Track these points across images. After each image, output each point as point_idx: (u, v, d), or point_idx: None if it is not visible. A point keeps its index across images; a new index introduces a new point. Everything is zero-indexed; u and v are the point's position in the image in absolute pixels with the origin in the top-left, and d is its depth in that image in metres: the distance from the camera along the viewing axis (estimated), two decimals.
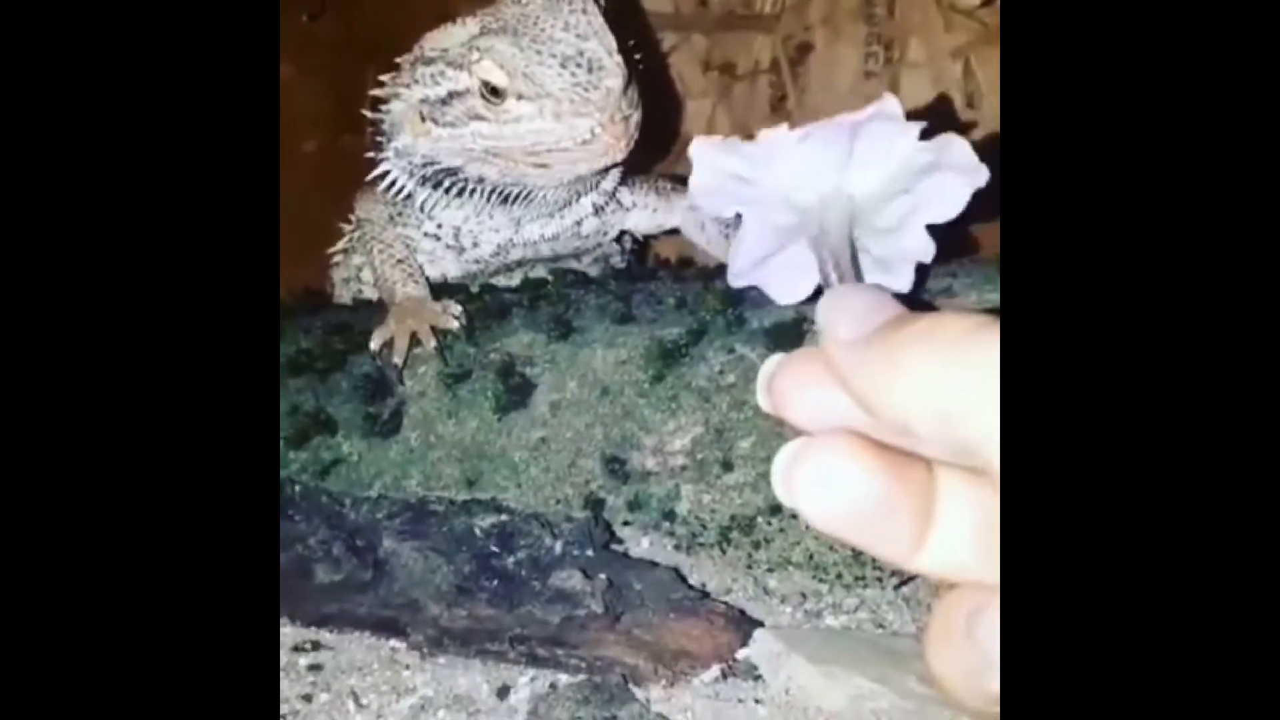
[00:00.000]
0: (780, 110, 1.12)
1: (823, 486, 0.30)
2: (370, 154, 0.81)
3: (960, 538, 0.30)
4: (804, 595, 0.65)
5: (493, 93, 0.71)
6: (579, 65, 0.69)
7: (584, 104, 0.68)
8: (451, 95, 0.73)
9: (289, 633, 0.63)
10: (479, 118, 0.72)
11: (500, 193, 0.78)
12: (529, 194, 0.78)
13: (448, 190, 0.79)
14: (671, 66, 1.13)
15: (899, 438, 0.30)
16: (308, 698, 0.58)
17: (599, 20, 0.70)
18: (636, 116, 0.71)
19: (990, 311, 0.31)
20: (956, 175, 0.37)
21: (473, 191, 0.78)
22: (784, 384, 0.33)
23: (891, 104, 0.36)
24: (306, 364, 0.77)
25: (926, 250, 0.39)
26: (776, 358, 0.34)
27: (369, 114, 0.80)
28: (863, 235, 0.38)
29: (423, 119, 0.75)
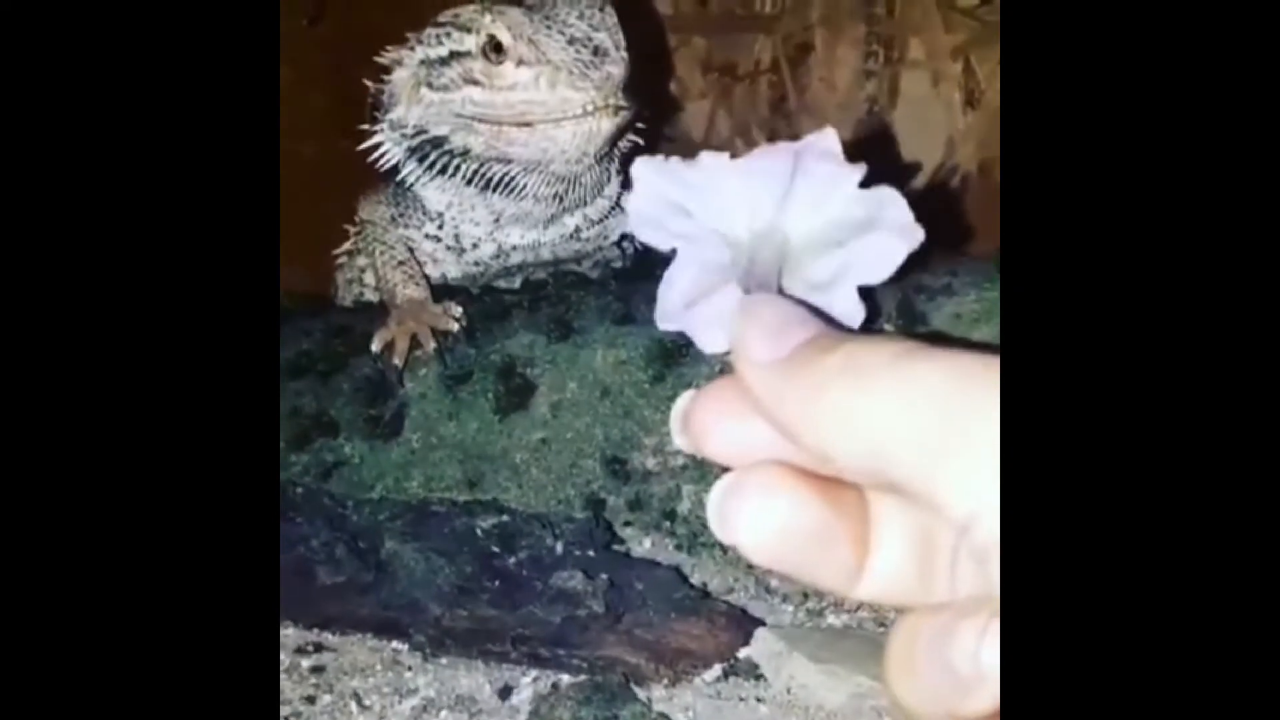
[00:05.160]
0: (780, 110, 1.12)
1: (758, 521, 0.29)
2: (364, 126, 0.81)
3: (900, 562, 0.30)
4: (805, 594, 0.65)
5: (495, 49, 0.71)
6: (585, 46, 0.70)
7: (582, 79, 0.69)
8: (452, 55, 0.74)
9: (291, 635, 0.64)
10: (473, 82, 0.73)
11: (483, 174, 0.77)
12: (511, 181, 0.77)
13: (432, 165, 0.79)
14: (671, 67, 1.13)
15: (826, 466, 0.29)
16: (310, 699, 0.58)
17: (614, 19, 0.71)
18: (627, 115, 0.72)
19: (987, 309, 0.31)
20: (891, 235, 0.35)
21: (456, 169, 0.78)
22: (702, 419, 0.31)
23: (829, 138, 0.34)
24: (307, 366, 0.77)
25: (855, 315, 0.36)
26: (689, 394, 0.32)
27: (370, 84, 0.80)
28: (792, 285, 0.36)
29: (418, 86, 0.76)
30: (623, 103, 0.70)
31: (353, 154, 0.82)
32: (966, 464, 0.26)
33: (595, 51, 0.70)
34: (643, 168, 0.35)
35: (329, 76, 0.91)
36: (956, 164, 1.07)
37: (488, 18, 0.72)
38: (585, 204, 0.81)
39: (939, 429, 0.26)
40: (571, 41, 0.70)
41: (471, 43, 0.73)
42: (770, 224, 0.34)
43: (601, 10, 0.71)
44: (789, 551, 0.30)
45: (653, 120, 0.83)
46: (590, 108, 0.69)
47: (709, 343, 0.36)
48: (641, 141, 0.82)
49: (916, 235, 0.35)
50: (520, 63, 0.71)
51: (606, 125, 0.70)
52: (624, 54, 0.70)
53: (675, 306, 0.36)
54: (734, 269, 0.35)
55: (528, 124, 0.72)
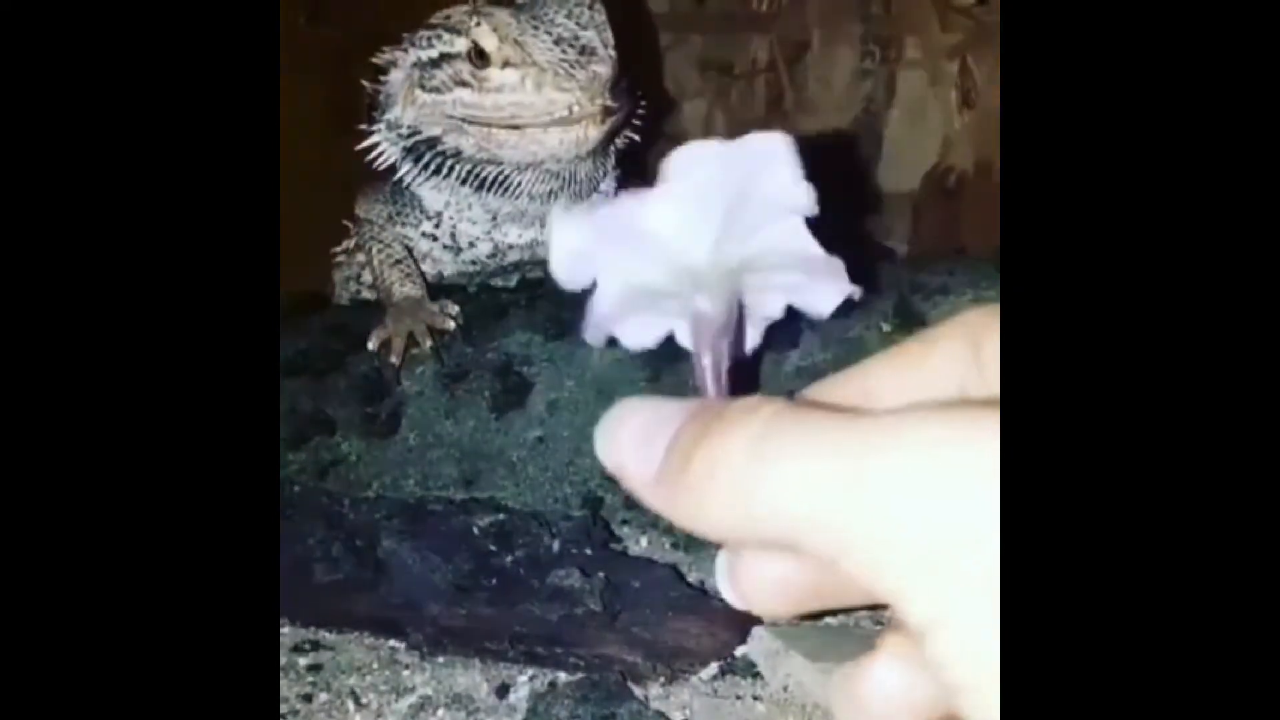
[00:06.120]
0: (777, 109, 1.12)
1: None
2: (363, 126, 0.81)
3: None
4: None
5: (479, 56, 0.71)
6: (571, 46, 0.69)
7: (567, 79, 0.69)
8: (443, 58, 0.74)
9: (288, 633, 0.64)
10: (463, 84, 0.73)
11: (476, 175, 0.77)
12: (505, 180, 0.77)
13: (427, 165, 0.79)
14: (668, 66, 1.13)
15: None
16: (307, 697, 0.58)
17: (603, 18, 0.71)
18: (618, 117, 0.71)
19: (989, 309, 0.31)
20: (830, 281, 0.34)
21: (450, 170, 0.78)
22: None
23: (776, 141, 0.32)
24: (304, 365, 0.77)
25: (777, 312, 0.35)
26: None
27: (367, 85, 0.80)
28: (752, 306, 0.35)
29: (412, 87, 0.76)
30: (610, 102, 0.70)
31: (351, 153, 0.82)
32: (906, 549, 0.23)
33: (582, 51, 0.69)
34: (559, 224, 0.33)
35: (328, 76, 0.91)
36: (953, 163, 1.07)
37: (474, 20, 0.72)
38: (581, 200, 0.81)
39: (840, 506, 0.24)
40: (558, 42, 0.69)
41: (461, 45, 0.73)
42: (713, 249, 0.32)
43: (590, 9, 0.71)
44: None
45: (649, 118, 0.83)
46: (576, 108, 0.69)
47: (633, 339, 0.35)
48: (638, 138, 0.82)
49: (852, 291, 0.34)
50: (506, 64, 0.71)
51: (594, 133, 0.70)
52: (612, 52, 0.70)
53: (601, 324, 0.34)
54: (675, 299, 0.33)
55: (516, 127, 0.72)
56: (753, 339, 0.35)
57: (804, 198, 0.32)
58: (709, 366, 0.32)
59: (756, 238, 0.32)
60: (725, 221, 0.32)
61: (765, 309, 0.35)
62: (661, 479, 0.27)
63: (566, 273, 0.33)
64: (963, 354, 0.31)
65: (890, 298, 0.69)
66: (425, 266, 0.85)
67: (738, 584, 0.30)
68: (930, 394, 0.30)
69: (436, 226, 0.83)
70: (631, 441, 0.28)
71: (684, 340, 0.34)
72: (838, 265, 0.34)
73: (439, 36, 0.75)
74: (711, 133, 1.14)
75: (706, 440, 0.26)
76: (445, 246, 0.84)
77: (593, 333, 0.34)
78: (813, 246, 0.33)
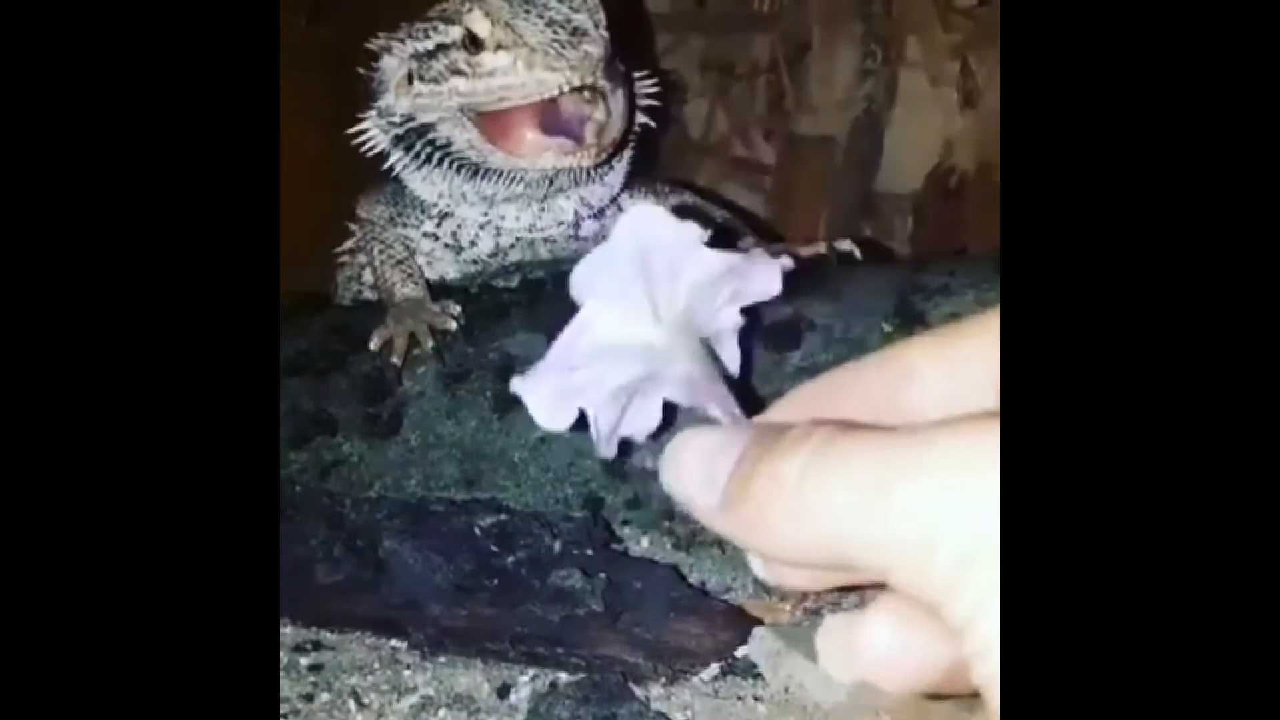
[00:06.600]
0: (778, 109, 1.12)
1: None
2: (359, 114, 0.81)
3: None
4: (803, 593, 0.65)
5: (473, 41, 0.72)
6: (563, 27, 0.70)
7: (557, 59, 0.69)
8: (439, 48, 0.76)
9: (289, 633, 0.64)
10: (458, 72, 0.74)
11: (469, 162, 0.78)
12: (496, 168, 0.77)
13: (417, 154, 0.79)
14: (669, 67, 1.13)
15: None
16: (309, 697, 0.58)
17: (595, 1, 0.71)
18: (618, 109, 0.72)
19: (991, 309, 0.31)
20: (761, 267, 0.36)
21: (441, 160, 0.78)
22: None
23: (644, 215, 0.35)
24: (306, 364, 0.77)
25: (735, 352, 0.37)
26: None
27: (363, 71, 0.81)
28: (719, 344, 0.37)
29: (409, 79, 0.77)
30: (602, 81, 0.70)
31: (351, 153, 0.82)
32: (945, 555, 0.25)
33: (574, 32, 0.70)
34: (523, 389, 0.35)
35: (329, 75, 0.91)
36: (954, 164, 1.07)
37: (466, 7, 0.73)
38: (579, 185, 0.81)
39: (884, 524, 0.25)
40: (550, 24, 0.70)
41: (455, 33, 0.74)
42: (655, 319, 0.35)
43: None
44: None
45: (660, 99, 0.84)
46: (567, 87, 0.70)
47: (644, 428, 0.37)
48: (653, 124, 0.82)
49: (781, 264, 0.36)
50: (498, 48, 0.72)
51: (589, 107, 0.71)
52: (604, 33, 0.71)
53: (610, 439, 0.36)
54: (653, 378, 0.35)
55: (506, 109, 0.73)
56: (731, 353, 0.37)
57: (692, 235, 0.34)
58: (721, 413, 0.33)
59: (683, 284, 0.34)
60: (652, 294, 0.34)
61: (726, 325, 0.36)
62: (724, 507, 0.28)
63: (554, 420, 0.35)
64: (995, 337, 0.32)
65: (891, 298, 0.69)
66: (426, 267, 0.85)
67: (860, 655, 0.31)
68: (967, 374, 0.31)
69: (438, 225, 0.83)
70: (694, 473, 0.29)
71: (685, 402, 0.35)
72: (757, 252, 0.36)
73: (435, 28, 0.76)
74: (712, 133, 1.14)
75: (762, 467, 0.28)
76: (446, 246, 0.84)
77: (607, 449, 0.36)
78: (727, 257, 0.35)
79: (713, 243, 0.35)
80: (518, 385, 0.35)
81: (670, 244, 0.34)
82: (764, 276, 0.36)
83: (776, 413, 0.34)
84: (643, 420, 0.36)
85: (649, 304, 0.34)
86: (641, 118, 0.81)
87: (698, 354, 0.35)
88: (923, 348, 0.33)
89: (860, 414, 0.30)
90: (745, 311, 0.36)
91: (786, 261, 0.36)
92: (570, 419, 0.35)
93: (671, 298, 0.34)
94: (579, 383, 0.35)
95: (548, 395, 0.35)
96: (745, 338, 0.37)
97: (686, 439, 0.31)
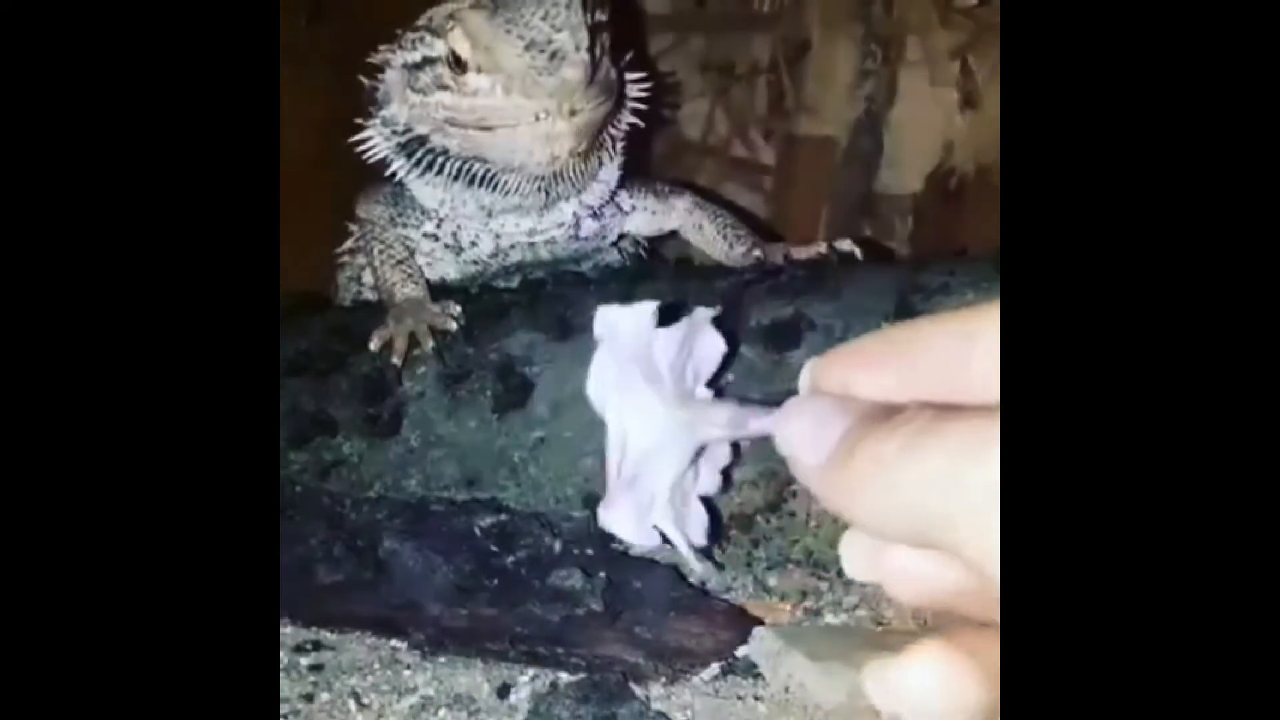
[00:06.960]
0: (778, 109, 1.12)
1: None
2: (359, 120, 0.81)
3: None
4: (803, 593, 0.65)
5: (456, 62, 0.72)
6: (541, 51, 0.70)
7: (534, 87, 0.69)
8: (425, 61, 0.75)
9: (290, 633, 0.64)
10: (444, 87, 0.74)
11: (466, 171, 0.78)
12: (494, 177, 0.78)
13: (419, 162, 0.79)
14: (669, 67, 1.13)
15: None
16: (309, 697, 0.58)
17: (578, 17, 0.71)
18: (593, 115, 0.72)
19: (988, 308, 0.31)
20: (700, 323, 0.40)
21: (440, 167, 0.79)
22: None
23: (634, 313, 0.37)
24: (306, 365, 0.77)
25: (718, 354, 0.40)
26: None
27: (366, 81, 0.81)
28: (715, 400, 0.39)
29: (404, 87, 0.77)
30: (580, 104, 0.70)
31: (351, 153, 0.82)
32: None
33: (552, 56, 0.69)
34: (606, 519, 0.37)
35: (329, 75, 0.91)
36: (954, 164, 1.07)
37: (449, 24, 0.73)
38: (578, 190, 0.81)
39: (962, 503, 0.27)
40: (529, 47, 0.69)
41: (440, 48, 0.74)
42: (666, 395, 0.37)
43: (567, 7, 0.71)
44: None
45: (652, 100, 0.84)
46: (543, 114, 0.70)
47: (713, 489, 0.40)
48: (641, 123, 0.82)
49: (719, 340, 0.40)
50: (480, 69, 0.71)
51: (562, 126, 0.70)
52: (585, 54, 0.70)
53: (689, 550, 0.39)
54: (677, 451, 0.37)
55: (488, 129, 0.73)
56: (707, 369, 0.40)
57: (647, 315, 0.37)
58: (753, 441, 0.36)
59: (663, 364, 0.38)
60: (651, 379, 0.37)
61: (705, 365, 0.40)
62: (828, 466, 0.30)
63: (645, 540, 0.38)
64: None
65: (891, 298, 0.69)
66: (427, 267, 0.85)
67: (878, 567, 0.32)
68: None
69: (438, 226, 0.84)
70: (805, 431, 0.31)
71: (737, 442, 0.38)
72: (699, 312, 0.40)
73: (421, 39, 0.76)
74: (712, 133, 1.14)
75: (870, 438, 0.30)
76: (447, 246, 0.84)
77: (698, 564, 0.43)
78: (679, 327, 0.38)
79: (660, 313, 0.38)
80: (604, 520, 0.37)
81: (635, 331, 0.37)
82: (709, 342, 0.40)
83: (840, 361, 0.34)
84: (710, 485, 0.40)
85: (653, 391, 0.37)
86: (630, 118, 0.81)
87: (712, 404, 0.37)
88: (976, 314, 0.34)
89: (932, 375, 0.31)
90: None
91: (713, 311, 0.39)
92: (657, 538, 0.38)
93: (664, 374, 0.37)
94: (645, 495, 0.37)
95: (630, 521, 0.37)
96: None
97: (804, 401, 0.33)
